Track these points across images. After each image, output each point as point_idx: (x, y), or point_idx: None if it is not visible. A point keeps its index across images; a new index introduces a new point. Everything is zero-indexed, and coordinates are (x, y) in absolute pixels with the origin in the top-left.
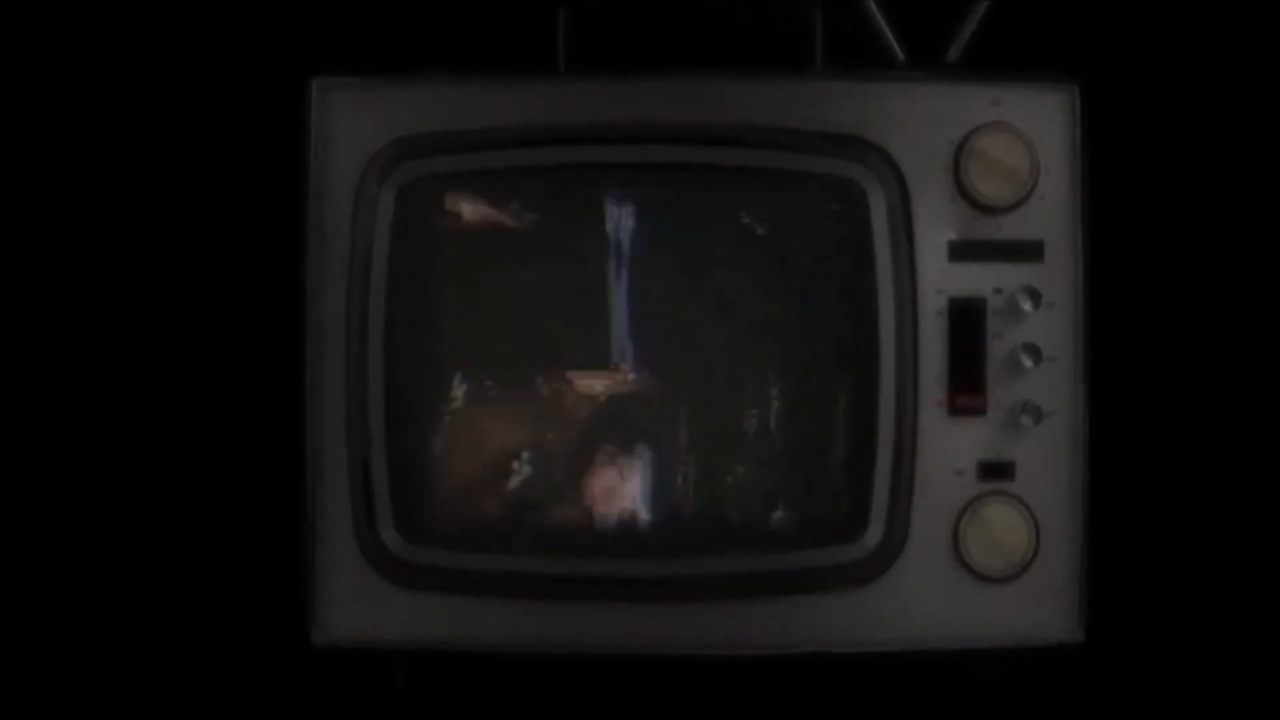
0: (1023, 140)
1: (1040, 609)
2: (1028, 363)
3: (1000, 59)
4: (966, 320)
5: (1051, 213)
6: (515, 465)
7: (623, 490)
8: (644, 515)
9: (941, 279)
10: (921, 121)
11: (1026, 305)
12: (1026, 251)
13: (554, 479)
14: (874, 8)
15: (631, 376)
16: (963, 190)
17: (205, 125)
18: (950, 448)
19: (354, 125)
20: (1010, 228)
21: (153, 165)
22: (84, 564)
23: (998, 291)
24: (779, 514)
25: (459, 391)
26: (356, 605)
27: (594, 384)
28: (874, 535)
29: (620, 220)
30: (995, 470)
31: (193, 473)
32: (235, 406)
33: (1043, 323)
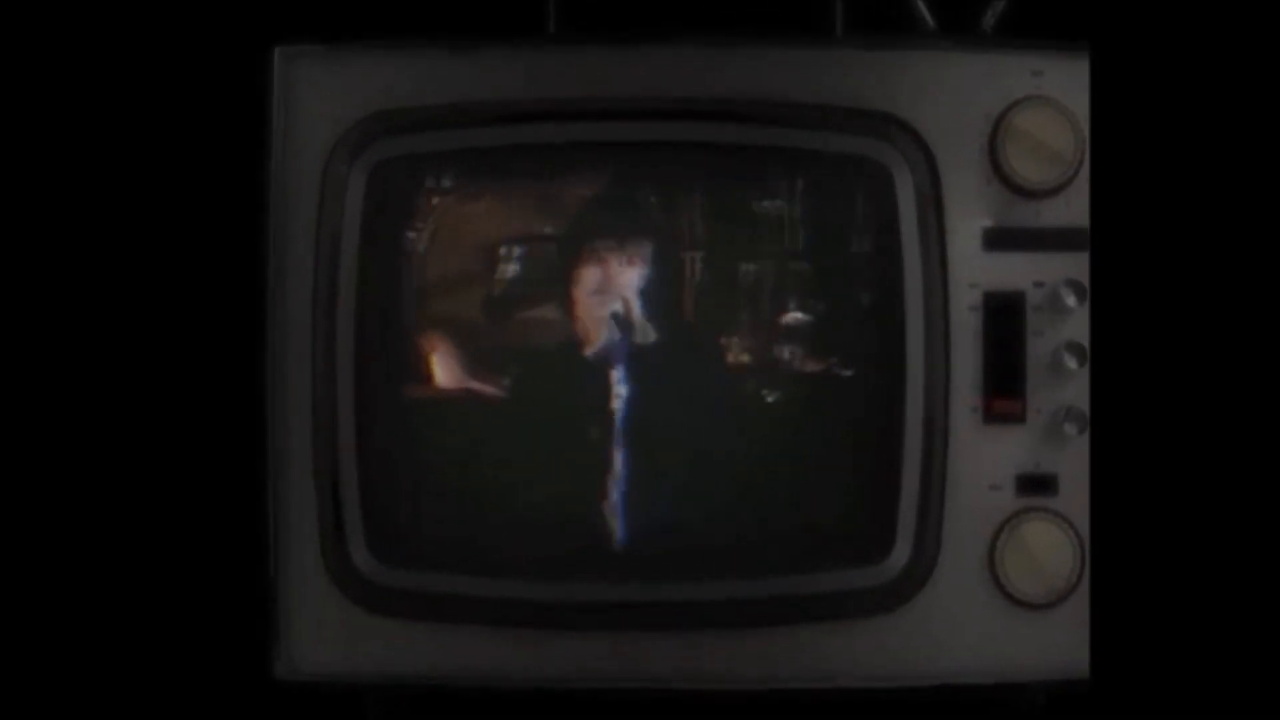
0: (1066, 116)
1: (1086, 638)
2: (1071, 364)
3: (1041, 27)
4: (1003, 317)
5: None
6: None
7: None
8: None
9: (975, 271)
10: (954, 96)
11: (1070, 300)
12: (1070, 240)
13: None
14: None
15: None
16: (999, 172)
17: (156, 97)
18: (985, 459)
19: (321, 98)
20: (1052, 214)
21: (96, 144)
22: (13, 590)
23: (1038, 285)
24: (794, 533)
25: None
26: (324, 634)
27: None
28: (900, 556)
29: (618, 201)
30: (1035, 484)
31: (140, 484)
32: (188, 411)
33: (1088, 320)
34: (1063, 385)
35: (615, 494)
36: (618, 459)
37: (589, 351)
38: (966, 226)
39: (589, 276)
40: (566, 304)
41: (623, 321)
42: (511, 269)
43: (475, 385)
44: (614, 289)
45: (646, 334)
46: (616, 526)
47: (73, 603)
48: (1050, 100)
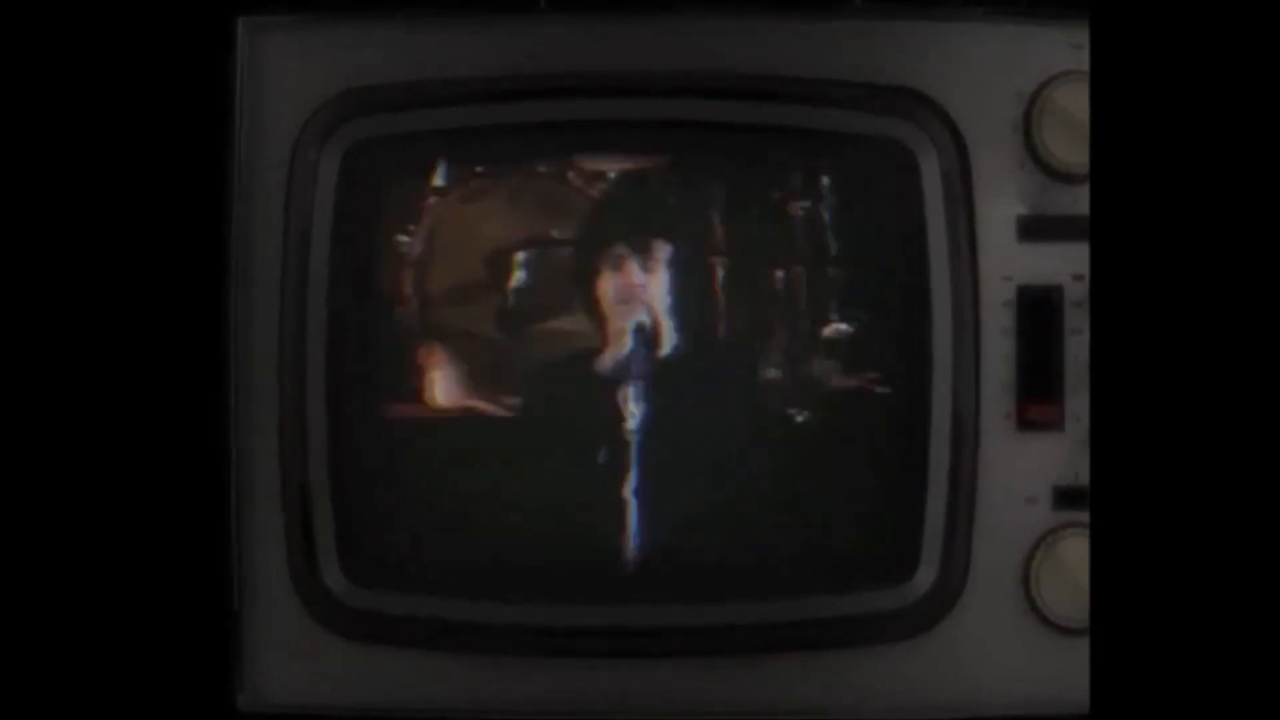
0: None
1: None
2: None
3: None
4: (1039, 313)
5: None
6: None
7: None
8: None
9: (1009, 262)
10: (985, 70)
11: None
12: None
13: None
14: None
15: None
16: (1035, 154)
17: (106, 72)
18: (1019, 470)
19: (290, 74)
20: None
21: (40, 126)
22: None
23: (1077, 278)
24: (811, 552)
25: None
26: (292, 662)
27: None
28: (926, 577)
29: (634, 199)
30: (1074, 497)
31: (89, 496)
32: (142, 416)
33: None
34: None
35: (626, 515)
36: (632, 480)
37: (607, 366)
38: (999, 214)
39: (610, 284)
40: (586, 314)
41: (647, 334)
42: (522, 276)
43: (478, 403)
44: (638, 297)
45: (671, 347)
46: (624, 547)
47: (18, 626)
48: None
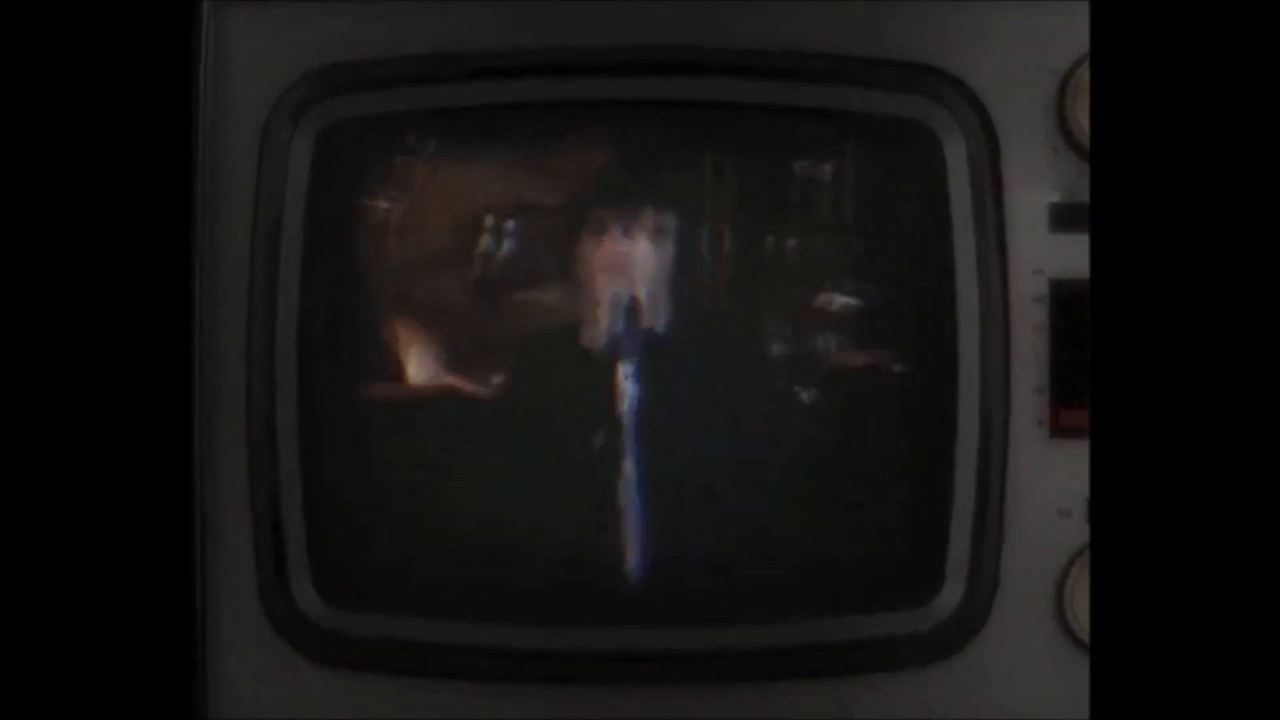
0: None
1: None
2: None
3: None
4: (1074, 309)
5: None
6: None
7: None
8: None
9: (1041, 254)
10: (1015, 47)
11: None
12: None
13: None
14: None
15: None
16: (1069, 137)
17: (64, 51)
18: (1053, 480)
19: (259, 52)
20: None
21: None
22: None
23: None
24: (827, 569)
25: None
26: (261, 687)
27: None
28: (952, 595)
29: (626, 165)
30: None
31: (45, 504)
32: (100, 420)
33: None
34: None
35: (620, 516)
36: (627, 469)
37: (594, 341)
38: (1030, 202)
39: (594, 252)
40: (567, 285)
41: (633, 307)
42: (500, 244)
43: (454, 381)
44: (624, 267)
45: (660, 321)
46: (621, 557)
47: None
48: None
